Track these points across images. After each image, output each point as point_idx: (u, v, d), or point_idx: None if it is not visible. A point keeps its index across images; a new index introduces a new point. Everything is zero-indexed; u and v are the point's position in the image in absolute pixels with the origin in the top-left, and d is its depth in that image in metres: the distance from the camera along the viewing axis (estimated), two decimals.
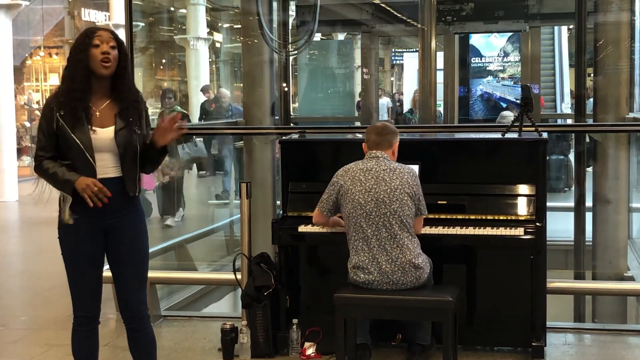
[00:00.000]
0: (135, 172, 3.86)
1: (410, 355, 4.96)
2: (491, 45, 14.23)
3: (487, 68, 14.10)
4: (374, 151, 4.73)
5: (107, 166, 3.79)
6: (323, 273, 5.33)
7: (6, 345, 5.70)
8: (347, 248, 4.68)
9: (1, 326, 6.15)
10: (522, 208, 5.03)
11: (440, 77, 9.81)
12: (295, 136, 5.72)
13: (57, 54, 30.43)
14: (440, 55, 10.52)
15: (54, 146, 3.79)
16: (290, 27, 8.84)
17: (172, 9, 18.50)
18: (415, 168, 5.00)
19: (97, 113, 3.80)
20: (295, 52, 8.43)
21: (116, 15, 24.52)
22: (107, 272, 3.99)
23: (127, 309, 3.97)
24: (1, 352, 5.57)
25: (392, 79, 30.79)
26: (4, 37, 14.65)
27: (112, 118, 3.81)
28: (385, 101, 19.74)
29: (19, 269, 8.43)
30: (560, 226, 8.12)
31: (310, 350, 5.15)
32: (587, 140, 7.67)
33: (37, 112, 22.93)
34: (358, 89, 13.81)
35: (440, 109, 11.45)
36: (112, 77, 3.83)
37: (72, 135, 3.73)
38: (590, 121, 7.39)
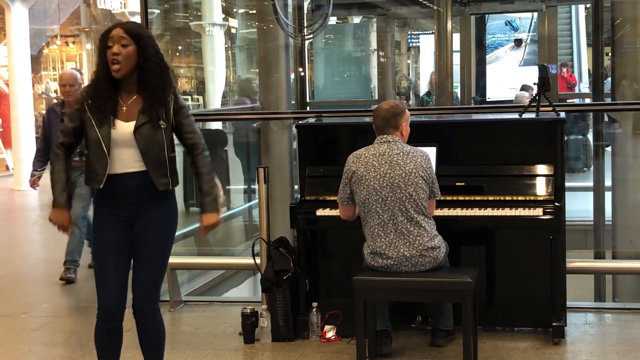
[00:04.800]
0: (163, 168, 3.85)
1: (434, 340, 4.98)
2: None
3: None
4: (385, 135, 4.71)
5: (130, 160, 3.81)
6: (342, 256, 5.33)
7: (29, 333, 5.75)
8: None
9: (23, 314, 6.21)
10: (541, 188, 5.01)
11: (456, 58, 9.77)
12: (312, 120, 5.72)
13: (73, 42, 30.52)
14: (456, 37, 10.47)
15: (73, 131, 3.89)
16: (305, 12, 8.81)
17: None
18: (433, 150, 4.99)
19: (124, 108, 3.84)
20: (311, 36, 8.41)
21: (131, 2, 24.55)
22: None
23: (135, 302, 3.97)
24: (24, 339, 5.62)
25: (409, 61, 30.68)
26: (20, 26, 14.71)
27: (137, 114, 3.83)
28: None
29: (39, 258, 8.49)
30: (579, 206, 8.11)
31: (331, 334, 5.18)
32: (606, 119, 7.63)
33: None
34: (374, 72, 13.78)
35: (457, 90, 11.41)
36: (139, 71, 3.83)
37: (95, 127, 3.80)
38: (608, 100, 7.34)
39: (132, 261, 3.97)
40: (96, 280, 3.93)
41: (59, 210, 3.94)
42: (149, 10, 6.64)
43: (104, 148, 3.78)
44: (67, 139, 3.92)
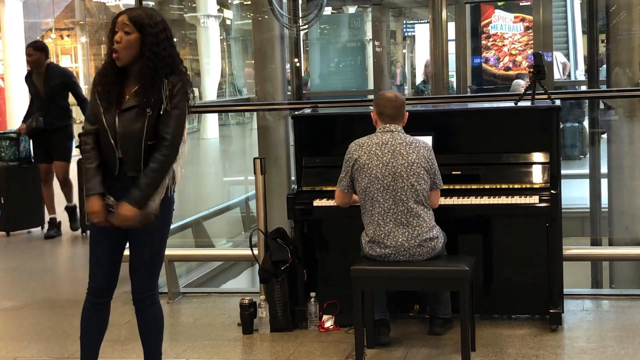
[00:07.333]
0: (138, 155, 3.78)
1: (432, 329, 5.00)
2: None
3: None
4: (388, 125, 4.72)
5: None
6: (339, 246, 5.35)
7: (28, 326, 5.76)
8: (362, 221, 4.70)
9: (22, 307, 6.22)
10: (537, 176, 5.02)
11: (452, 47, 9.77)
12: (307, 111, 5.73)
13: (68, 35, 30.46)
14: (451, 26, 10.45)
15: (96, 118, 3.84)
16: (300, 2, 8.81)
17: None
18: (429, 139, 5.00)
19: (127, 97, 3.82)
20: (306, 26, 8.41)
21: None
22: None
23: (132, 290, 4.00)
24: (23, 332, 5.63)
25: (404, 51, 30.66)
26: (15, 20, 14.71)
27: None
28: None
29: (38, 251, 8.49)
30: (575, 193, 8.12)
31: (329, 323, 5.19)
32: (601, 106, 7.63)
33: None
34: (370, 62, 13.77)
35: (453, 79, 11.41)
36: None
37: (102, 115, 3.80)
38: (603, 87, 7.35)
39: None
40: (89, 256, 3.95)
41: (90, 198, 3.80)
42: (144, 2, 6.64)
43: (111, 140, 3.78)
44: (92, 126, 3.85)
